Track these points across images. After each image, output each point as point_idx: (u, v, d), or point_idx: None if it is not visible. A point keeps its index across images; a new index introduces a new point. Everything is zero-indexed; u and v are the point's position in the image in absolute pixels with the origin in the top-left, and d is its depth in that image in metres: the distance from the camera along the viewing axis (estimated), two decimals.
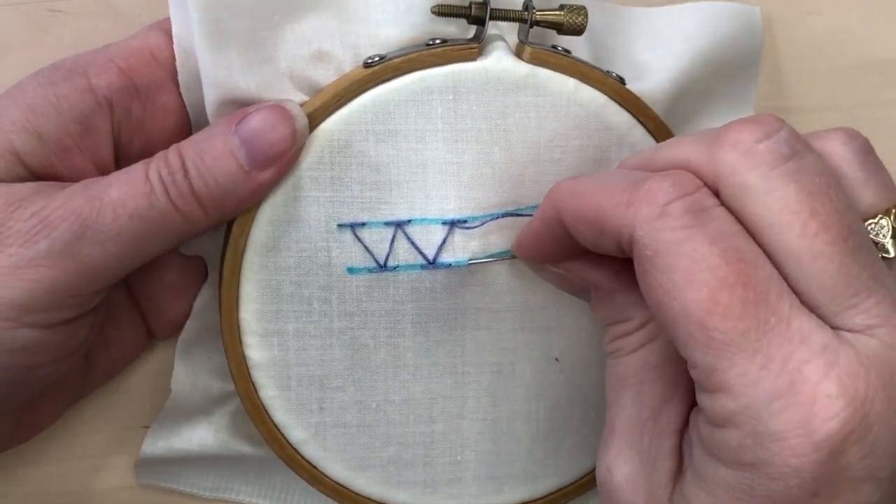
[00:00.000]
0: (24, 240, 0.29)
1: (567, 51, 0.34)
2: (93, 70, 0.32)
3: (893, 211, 0.28)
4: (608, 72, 0.34)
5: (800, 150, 0.26)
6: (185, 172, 0.30)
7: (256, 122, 0.31)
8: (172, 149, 0.31)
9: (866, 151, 0.29)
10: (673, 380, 0.29)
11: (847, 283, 0.25)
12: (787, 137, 0.26)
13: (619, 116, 0.34)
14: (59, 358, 0.31)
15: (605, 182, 0.28)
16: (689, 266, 0.25)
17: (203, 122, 0.33)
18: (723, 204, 0.26)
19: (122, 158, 0.33)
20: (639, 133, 0.35)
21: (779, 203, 0.25)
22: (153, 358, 0.39)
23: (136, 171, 0.30)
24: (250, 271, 0.33)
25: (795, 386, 0.24)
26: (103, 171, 0.32)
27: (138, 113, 0.33)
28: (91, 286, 0.30)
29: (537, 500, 0.38)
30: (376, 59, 0.32)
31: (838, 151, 0.28)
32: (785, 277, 0.26)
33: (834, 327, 0.25)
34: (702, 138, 0.28)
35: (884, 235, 0.28)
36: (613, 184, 0.27)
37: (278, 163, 0.31)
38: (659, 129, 0.35)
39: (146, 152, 0.33)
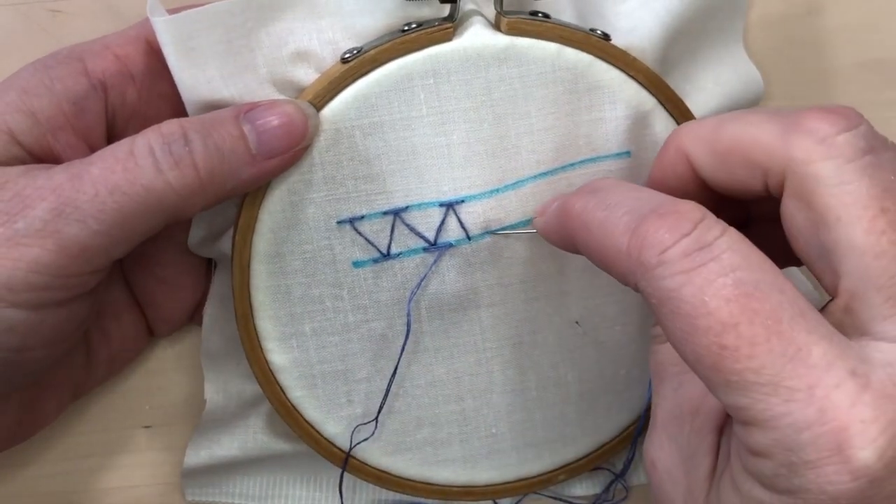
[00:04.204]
0: (3, 220, 0.29)
1: (546, 15, 0.33)
2: (89, 56, 0.32)
3: None
4: (592, 30, 0.34)
5: (877, 146, 0.26)
6: (187, 142, 0.30)
7: (274, 111, 0.31)
8: (169, 121, 0.30)
9: None
10: None
11: None
12: (866, 132, 0.26)
13: (609, 74, 0.34)
14: (52, 342, 0.31)
15: (609, 217, 0.27)
16: (691, 313, 0.24)
17: None
18: (788, 188, 0.26)
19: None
20: (631, 87, 0.34)
21: (850, 196, 0.25)
22: (153, 358, 0.39)
23: (119, 146, 0.30)
24: (259, 280, 0.33)
25: (826, 414, 0.23)
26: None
27: (133, 99, 0.33)
28: (79, 266, 0.30)
29: (580, 459, 0.39)
30: (354, 52, 0.32)
31: None
32: (842, 274, 0.25)
33: (878, 336, 0.24)
34: (774, 118, 0.27)
35: None
36: (616, 221, 0.27)
37: (285, 153, 0.31)
38: (651, 80, 0.34)
39: None
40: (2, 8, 0.36)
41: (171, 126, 0.30)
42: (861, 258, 0.25)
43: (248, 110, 0.31)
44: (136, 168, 0.29)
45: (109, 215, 0.29)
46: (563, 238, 0.31)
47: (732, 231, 0.25)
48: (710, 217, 0.25)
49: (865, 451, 0.23)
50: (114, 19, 0.37)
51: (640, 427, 0.38)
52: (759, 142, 0.27)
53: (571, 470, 0.39)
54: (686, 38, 0.36)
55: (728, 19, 0.37)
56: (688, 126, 0.31)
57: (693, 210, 0.26)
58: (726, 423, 0.28)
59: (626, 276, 0.26)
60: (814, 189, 0.26)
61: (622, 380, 0.38)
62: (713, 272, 0.24)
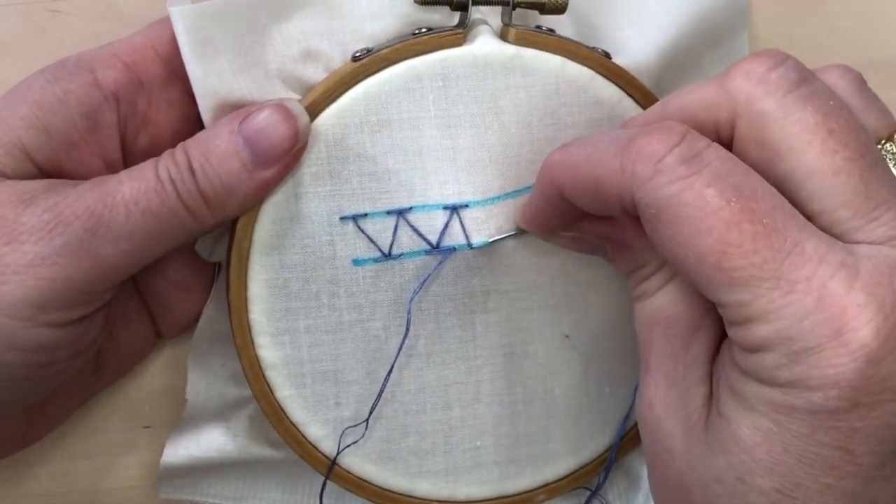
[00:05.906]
0: (38, 236, 0.29)
1: (551, 30, 0.34)
2: (98, 66, 0.32)
3: (895, 136, 0.29)
4: (594, 47, 0.35)
5: (808, 76, 0.27)
6: (192, 171, 0.30)
7: (259, 121, 0.31)
8: (179, 147, 0.31)
9: (861, 82, 0.30)
10: (700, 310, 0.29)
11: (868, 197, 0.26)
12: (794, 65, 0.27)
13: (608, 90, 0.34)
14: (72, 355, 0.31)
15: (595, 149, 0.28)
16: (693, 215, 0.25)
17: None
18: (738, 134, 0.27)
19: (128, 153, 0.33)
20: (628, 104, 0.35)
21: (797, 125, 0.26)
22: (155, 358, 0.39)
23: (146, 168, 0.31)
24: (256, 272, 0.33)
25: (824, 301, 0.24)
26: (110, 166, 0.33)
27: (143, 107, 0.33)
28: (104, 283, 0.30)
29: (560, 479, 0.38)
30: (364, 52, 0.33)
31: (837, 84, 0.29)
32: (805, 200, 0.26)
33: (855, 242, 0.26)
34: (710, 79, 0.29)
35: (890, 159, 0.29)
36: (603, 149, 0.28)
37: (281, 161, 0.32)
38: (647, 99, 0.35)
39: (152, 146, 0.33)
40: (2, 8, 0.36)
41: (180, 154, 0.31)
42: (821, 179, 0.26)
43: (242, 121, 0.31)
44: (164, 192, 0.30)
45: (139, 236, 0.30)
46: (544, 203, 0.32)
47: (716, 144, 0.27)
48: (694, 131, 0.27)
49: (862, 331, 0.24)
50: (114, 19, 0.37)
51: (619, 436, 0.38)
52: (703, 101, 0.28)
53: (551, 490, 0.38)
54: (684, 67, 0.37)
55: (732, 46, 0.38)
56: (638, 115, 0.32)
57: (677, 124, 0.27)
58: (715, 355, 0.29)
59: (621, 195, 0.27)
60: (762, 126, 0.27)
61: (606, 398, 0.38)
62: (710, 177, 0.26)
